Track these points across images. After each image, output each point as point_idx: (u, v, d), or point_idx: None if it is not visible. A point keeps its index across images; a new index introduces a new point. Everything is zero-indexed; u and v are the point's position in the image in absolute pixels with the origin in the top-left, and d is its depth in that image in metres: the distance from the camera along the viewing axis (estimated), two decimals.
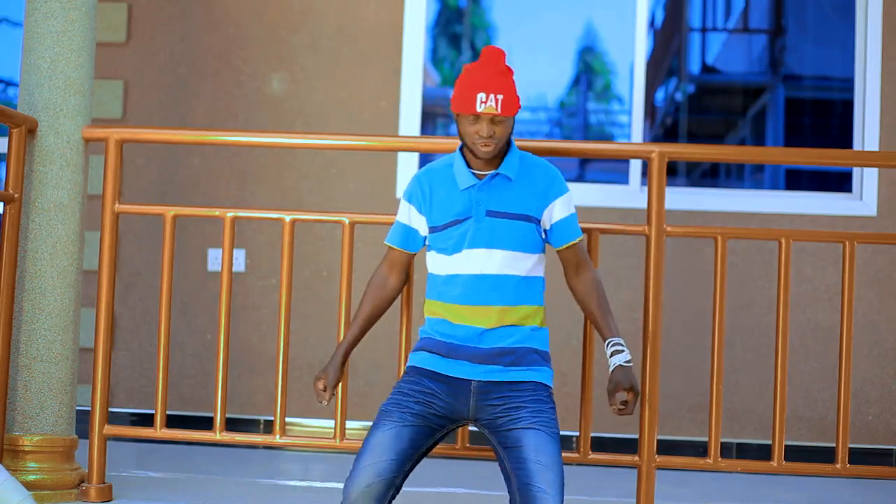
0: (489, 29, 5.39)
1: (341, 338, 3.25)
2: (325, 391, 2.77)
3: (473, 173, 2.69)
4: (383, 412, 2.60)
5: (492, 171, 2.68)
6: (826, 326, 4.67)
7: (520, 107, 2.68)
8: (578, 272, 2.80)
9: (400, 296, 3.05)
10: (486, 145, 2.62)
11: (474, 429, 2.96)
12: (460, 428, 2.80)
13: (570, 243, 2.76)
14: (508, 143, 2.72)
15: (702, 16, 5.67)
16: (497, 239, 2.65)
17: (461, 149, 2.74)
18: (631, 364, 2.65)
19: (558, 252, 2.80)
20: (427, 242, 2.78)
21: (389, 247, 2.85)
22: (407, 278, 2.95)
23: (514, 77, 2.66)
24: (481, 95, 2.60)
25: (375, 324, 2.87)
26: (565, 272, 2.81)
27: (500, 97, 2.61)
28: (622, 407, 2.61)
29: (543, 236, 2.74)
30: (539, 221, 2.71)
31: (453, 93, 2.68)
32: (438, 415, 2.62)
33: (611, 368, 2.65)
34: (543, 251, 2.75)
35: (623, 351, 2.66)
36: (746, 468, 3.63)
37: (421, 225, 2.77)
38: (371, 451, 2.50)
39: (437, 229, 2.71)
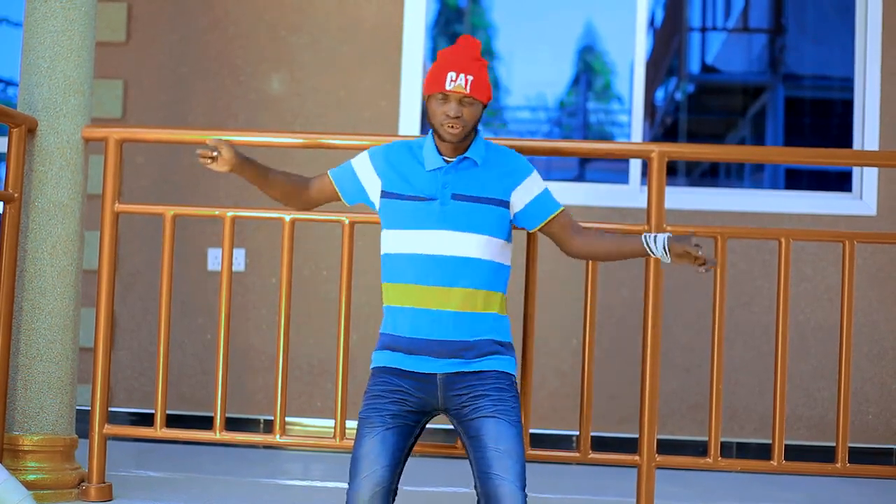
0: (489, 28, 5.38)
1: (341, 337, 3.26)
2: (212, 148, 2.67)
3: (442, 157, 2.70)
4: (363, 419, 2.61)
5: (459, 156, 2.70)
6: (826, 326, 4.67)
7: (490, 96, 2.70)
8: (575, 235, 2.77)
9: None
10: (452, 126, 2.61)
11: (449, 426, 2.95)
12: (435, 417, 2.79)
13: (551, 216, 2.75)
14: (476, 132, 2.73)
15: (702, 15, 5.67)
16: (461, 222, 2.64)
17: (432, 133, 2.74)
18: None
19: (543, 231, 2.77)
20: (380, 219, 2.75)
21: (327, 176, 2.89)
22: (309, 208, 2.99)
23: (487, 68, 2.68)
24: (451, 75, 2.62)
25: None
26: (562, 246, 2.78)
27: (469, 78, 2.62)
28: (698, 253, 2.55)
29: (511, 221, 2.73)
30: (507, 205, 2.70)
31: (426, 77, 2.69)
32: (413, 411, 2.64)
33: (664, 243, 2.61)
34: (509, 239, 2.72)
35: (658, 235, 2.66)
36: (746, 468, 3.63)
37: (371, 185, 2.78)
38: (364, 460, 2.53)
39: (392, 196, 2.71)
